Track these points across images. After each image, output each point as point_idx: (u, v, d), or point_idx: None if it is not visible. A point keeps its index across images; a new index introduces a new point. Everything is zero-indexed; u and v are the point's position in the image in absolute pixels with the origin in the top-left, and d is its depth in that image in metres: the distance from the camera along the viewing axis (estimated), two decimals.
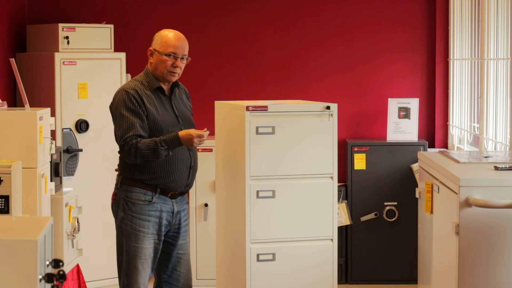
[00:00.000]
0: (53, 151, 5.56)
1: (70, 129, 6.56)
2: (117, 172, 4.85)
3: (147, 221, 4.59)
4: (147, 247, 4.60)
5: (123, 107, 4.56)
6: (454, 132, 6.94)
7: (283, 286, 5.00)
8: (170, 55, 4.61)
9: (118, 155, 4.76)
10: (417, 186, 5.54)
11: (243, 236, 4.96)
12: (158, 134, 4.57)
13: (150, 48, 4.68)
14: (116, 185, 4.68)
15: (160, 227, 4.63)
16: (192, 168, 4.70)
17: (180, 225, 4.73)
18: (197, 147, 4.71)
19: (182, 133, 4.52)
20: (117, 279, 6.73)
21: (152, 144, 4.48)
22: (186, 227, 4.79)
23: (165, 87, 4.70)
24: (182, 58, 4.64)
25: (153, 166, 4.57)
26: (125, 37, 7.07)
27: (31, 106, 5.38)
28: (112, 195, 4.70)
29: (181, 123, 4.66)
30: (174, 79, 4.67)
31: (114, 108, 4.62)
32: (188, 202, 4.84)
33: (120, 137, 4.56)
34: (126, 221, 4.60)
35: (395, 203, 6.75)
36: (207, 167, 6.29)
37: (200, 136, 4.51)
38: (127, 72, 6.89)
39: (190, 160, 4.67)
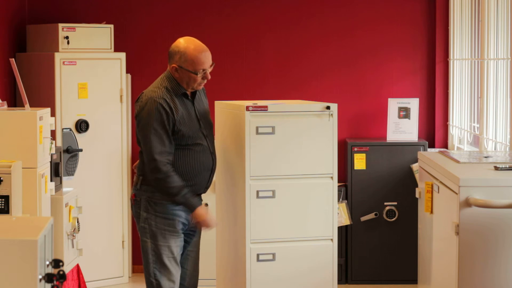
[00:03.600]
0: (53, 151, 5.55)
1: (70, 129, 6.56)
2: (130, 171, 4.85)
3: (171, 219, 4.60)
4: (174, 245, 4.62)
5: (154, 120, 4.51)
6: (454, 132, 6.94)
7: (283, 286, 5.00)
8: (199, 73, 4.60)
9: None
10: (417, 186, 5.54)
11: (243, 236, 4.96)
12: (180, 140, 4.58)
13: (174, 65, 4.59)
14: (135, 185, 4.66)
15: (184, 225, 4.66)
16: (212, 171, 4.75)
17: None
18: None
19: (199, 211, 4.61)
20: (117, 278, 6.80)
21: (175, 191, 4.53)
22: None
23: (189, 91, 4.70)
24: (210, 67, 4.65)
25: (177, 170, 4.58)
26: (125, 37, 7.07)
27: (31, 106, 5.38)
28: (132, 196, 4.68)
29: (202, 126, 4.69)
30: (202, 87, 4.70)
31: (145, 118, 4.54)
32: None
33: (151, 153, 4.50)
34: (150, 221, 4.60)
35: (395, 203, 6.74)
36: None
37: (207, 224, 4.66)
38: (127, 72, 6.89)
39: (212, 163, 4.72)
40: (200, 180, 4.67)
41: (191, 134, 4.60)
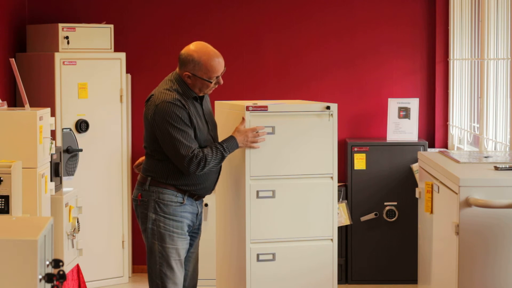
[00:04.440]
0: (53, 151, 5.55)
1: (70, 129, 6.56)
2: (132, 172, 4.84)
3: (180, 222, 4.61)
4: (181, 248, 4.63)
5: (175, 120, 4.49)
6: (454, 132, 6.94)
7: (283, 286, 5.00)
8: (213, 80, 4.60)
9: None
10: (417, 186, 5.54)
11: (243, 236, 4.96)
12: None
13: (187, 72, 4.56)
14: (142, 186, 4.63)
15: (188, 227, 4.67)
16: (219, 173, 4.78)
17: (199, 225, 4.79)
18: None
19: (238, 137, 4.70)
20: (117, 278, 6.79)
21: (220, 155, 4.58)
22: (201, 225, 4.82)
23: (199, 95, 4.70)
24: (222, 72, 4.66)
25: (186, 174, 4.58)
26: (125, 37, 7.07)
27: (31, 106, 5.38)
28: (138, 196, 4.65)
29: (210, 128, 4.71)
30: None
31: (160, 121, 4.50)
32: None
33: (184, 152, 4.47)
34: (158, 223, 4.59)
35: (395, 203, 6.74)
36: None
37: (253, 130, 4.77)
38: (127, 72, 6.89)
39: (219, 166, 4.73)
40: (209, 184, 4.70)
41: (203, 138, 4.61)
